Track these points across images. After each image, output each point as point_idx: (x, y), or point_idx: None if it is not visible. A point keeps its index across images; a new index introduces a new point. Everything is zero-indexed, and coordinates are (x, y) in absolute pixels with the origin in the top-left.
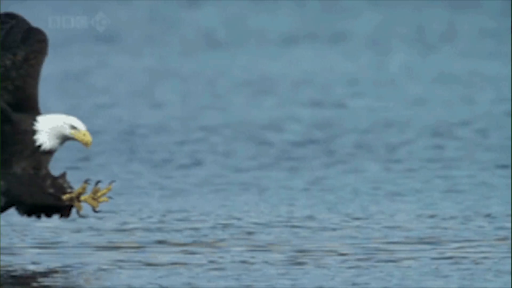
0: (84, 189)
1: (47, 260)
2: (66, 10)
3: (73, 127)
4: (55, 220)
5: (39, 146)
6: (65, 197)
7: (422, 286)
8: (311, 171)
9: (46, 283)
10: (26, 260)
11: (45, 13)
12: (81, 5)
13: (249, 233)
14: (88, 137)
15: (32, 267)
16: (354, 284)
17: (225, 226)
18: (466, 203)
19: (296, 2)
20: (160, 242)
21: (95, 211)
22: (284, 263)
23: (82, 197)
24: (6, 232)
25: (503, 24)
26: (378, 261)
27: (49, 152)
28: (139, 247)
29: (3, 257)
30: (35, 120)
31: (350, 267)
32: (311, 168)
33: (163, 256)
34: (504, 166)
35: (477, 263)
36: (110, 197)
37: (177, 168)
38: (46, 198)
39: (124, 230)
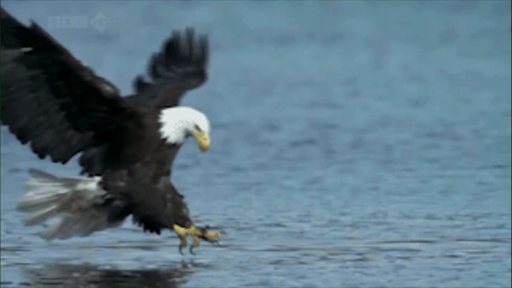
0: (196, 234)
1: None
2: (66, 10)
3: (197, 128)
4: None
5: (165, 139)
6: (176, 228)
7: (420, 286)
8: (308, 170)
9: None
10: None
11: (45, 13)
12: (81, 5)
13: (248, 232)
14: (207, 143)
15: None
16: (350, 283)
17: (224, 225)
18: (464, 203)
19: (294, 1)
20: (159, 241)
21: (191, 246)
22: (282, 262)
23: (190, 231)
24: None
25: (500, 23)
26: (375, 261)
27: (175, 146)
28: (139, 247)
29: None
30: (160, 113)
31: (347, 267)
32: (308, 168)
33: (163, 256)
34: (502, 166)
35: (474, 263)
36: (215, 241)
37: (175, 168)
38: (161, 219)
39: (124, 230)
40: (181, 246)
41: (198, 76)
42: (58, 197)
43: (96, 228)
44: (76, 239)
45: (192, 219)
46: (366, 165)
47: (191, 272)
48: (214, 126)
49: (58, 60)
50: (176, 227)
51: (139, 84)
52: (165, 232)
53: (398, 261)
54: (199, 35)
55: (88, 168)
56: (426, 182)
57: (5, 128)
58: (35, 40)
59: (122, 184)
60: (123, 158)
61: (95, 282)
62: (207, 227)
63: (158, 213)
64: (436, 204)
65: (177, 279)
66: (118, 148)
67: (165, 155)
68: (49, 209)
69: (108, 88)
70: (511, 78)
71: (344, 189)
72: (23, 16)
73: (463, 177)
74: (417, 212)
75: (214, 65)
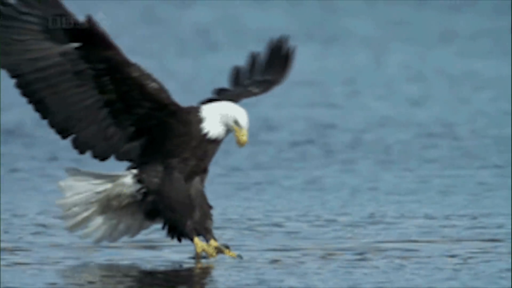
0: (213, 252)
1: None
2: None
3: (237, 123)
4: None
5: (206, 134)
6: (196, 241)
7: (420, 286)
8: (308, 170)
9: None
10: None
11: None
12: (81, 5)
13: (247, 232)
14: (244, 139)
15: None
16: (349, 283)
17: (223, 225)
18: (463, 202)
19: (293, 1)
20: (159, 241)
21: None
22: (282, 262)
23: (208, 250)
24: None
25: (500, 23)
26: (375, 261)
27: (216, 141)
28: (139, 247)
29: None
30: (200, 108)
31: (346, 267)
32: (308, 168)
33: (163, 255)
34: (501, 166)
35: (474, 263)
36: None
37: None
38: (185, 228)
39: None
40: (196, 255)
41: (264, 84)
42: (97, 195)
43: (141, 227)
44: (77, 239)
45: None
46: (365, 165)
47: (191, 272)
48: None
49: (107, 57)
50: (196, 240)
51: (219, 91)
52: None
53: (397, 261)
54: (287, 45)
55: (124, 159)
56: (425, 182)
57: (5, 128)
58: (88, 36)
59: (156, 180)
60: (162, 153)
61: (95, 282)
62: (227, 246)
63: (183, 221)
64: (435, 204)
65: (176, 279)
66: (157, 142)
67: (205, 151)
68: (90, 210)
69: (153, 84)
70: (510, 78)
71: (343, 189)
72: None
73: (462, 177)
74: (416, 212)
75: (214, 65)
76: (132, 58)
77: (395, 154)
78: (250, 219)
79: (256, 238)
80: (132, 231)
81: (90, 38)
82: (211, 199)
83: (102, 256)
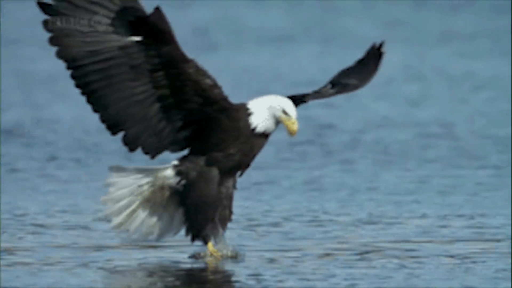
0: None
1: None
2: None
3: (285, 113)
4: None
5: (254, 128)
6: (209, 245)
7: (419, 286)
8: (307, 170)
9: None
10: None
11: None
12: None
13: (246, 232)
14: (295, 127)
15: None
16: (349, 283)
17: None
18: (462, 202)
19: (293, 1)
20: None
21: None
22: (281, 262)
23: (218, 256)
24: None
25: (499, 23)
26: (374, 261)
27: (264, 135)
28: (139, 247)
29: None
30: (247, 104)
31: (344, 267)
32: (307, 168)
33: (163, 255)
34: (501, 166)
35: (473, 263)
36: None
37: None
38: (203, 232)
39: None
40: (198, 256)
41: (344, 87)
42: (140, 188)
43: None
44: (77, 239)
45: None
46: (364, 165)
47: (191, 272)
48: None
49: (166, 52)
50: (210, 244)
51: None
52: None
53: (396, 261)
54: (381, 51)
55: (171, 151)
56: (424, 182)
57: (4, 128)
58: (153, 29)
59: (193, 173)
60: (207, 146)
61: (96, 281)
62: (236, 255)
63: (203, 223)
64: (434, 204)
65: (176, 278)
66: (204, 136)
67: (252, 146)
68: (134, 205)
69: (208, 80)
70: (510, 78)
71: (343, 189)
72: (23, 16)
73: (462, 177)
74: (415, 212)
75: (213, 65)
76: None
77: (394, 154)
78: (250, 219)
79: (255, 238)
80: (175, 224)
81: (155, 31)
82: None
83: (102, 256)
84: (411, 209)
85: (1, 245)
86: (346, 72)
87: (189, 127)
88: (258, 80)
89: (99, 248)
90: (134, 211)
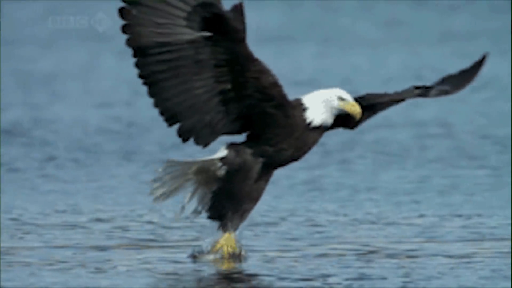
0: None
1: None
2: (66, 10)
3: (341, 99)
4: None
5: (309, 123)
6: (225, 235)
7: (419, 286)
8: (307, 170)
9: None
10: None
11: (45, 13)
12: (81, 5)
13: (245, 232)
14: (357, 108)
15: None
16: (348, 283)
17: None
18: (462, 202)
19: (292, 1)
20: (159, 241)
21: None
22: (281, 262)
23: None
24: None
25: (498, 23)
26: (374, 261)
27: (320, 129)
28: (140, 247)
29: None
30: (301, 99)
31: (344, 266)
32: (306, 168)
33: (162, 255)
34: (501, 166)
35: (473, 263)
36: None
37: None
38: (228, 219)
39: (126, 231)
40: (191, 256)
41: (434, 91)
42: (188, 171)
43: None
44: (77, 239)
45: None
46: (364, 165)
47: (190, 271)
48: None
49: (234, 50)
50: (227, 235)
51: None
52: (164, 232)
53: (395, 261)
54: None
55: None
56: (424, 182)
57: (4, 128)
58: (225, 28)
59: (235, 164)
60: (259, 139)
61: (96, 281)
62: (240, 253)
63: (231, 215)
64: (433, 204)
65: (176, 278)
66: (257, 129)
67: (306, 141)
68: (179, 182)
69: (270, 78)
70: (510, 78)
71: (342, 189)
72: (23, 16)
73: (461, 177)
74: (415, 212)
75: None
76: (130, 57)
77: (393, 154)
78: (249, 219)
79: (255, 237)
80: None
81: (229, 29)
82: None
83: (102, 256)
84: (410, 209)
85: (1, 245)
86: (445, 78)
87: (244, 120)
88: None
89: (99, 248)
90: (178, 186)
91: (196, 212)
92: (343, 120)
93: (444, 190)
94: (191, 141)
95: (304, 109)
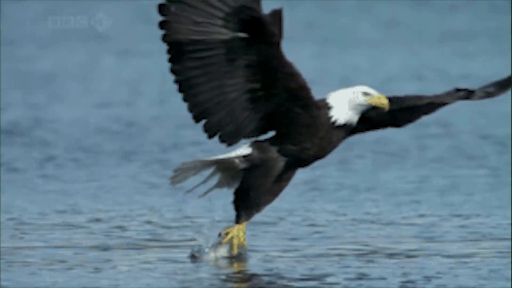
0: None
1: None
2: (66, 10)
3: (366, 94)
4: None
5: (334, 122)
6: (238, 226)
7: (418, 286)
8: (306, 170)
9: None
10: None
11: (45, 13)
12: (81, 5)
13: (247, 231)
14: (384, 100)
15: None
16: (348, 283)
17: (222, 224)
18: (461, 202)
19: (291, 1)
20: (158, 240)
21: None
22: (281, 262)
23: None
24: None
25: (498, 23)
26: (373, 260)
27: (345, 127)
28: (139, 247)
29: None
30: (326, 98)
31: (342, 266)
32: (306, 168)
33: (162, 254)
34: (501, 166)
35: (473, 263)
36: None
37: (175, 167)
38: (246, 212)
39: (126, 231)
40: (191, 256)
41: (458, 95)
42: (209, 162)
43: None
44: (78, 240)
45: (193, 216)
46: (363, 165)
47: (190, 271)
48: None
49: (267, 52)
50: (240, 226)
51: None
52: (164, 231)
53: (396, 261)
54: None
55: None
56: (424, 182)
57: (4, 128)
58: (262, 31)
59: (257, 161)
60: (283, 137)
61: (96, 281)
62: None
63: (244, 206)
64: (433, 204)
65: (176, 278)
66: (282, 128)
67: (330, 140)
68: (198, 167)
69: (299, 81)
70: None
71: (342, 189)
72: (24, 16)
73: (461, 177)
74: (414, 212)
75: None
76: (130, 57)
77: (393, 154)
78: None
79: (255, 237)
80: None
81: (266, 32)
82: (211, 198)
83: (102, 256)
84: (410, 209)
85: (1, 245)
86: (493, 82)
87: (269, 119)
88: None
89: (99, 248)
90: (198, 170)
91: (213, 189)
92: (389, 118)
93: (444, 190)
94: (191, 141)
95: (329, 108)
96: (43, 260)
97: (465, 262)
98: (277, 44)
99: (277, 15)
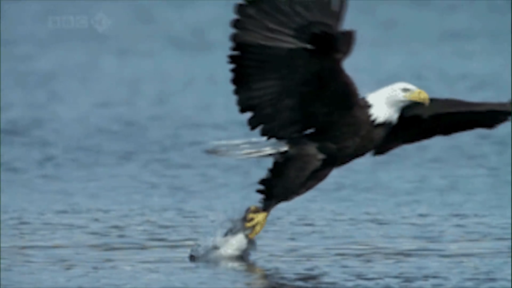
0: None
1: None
2: (66, 10)
3: (405, 90)
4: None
5: (374, 120)
6: (263, 213)
7: (417, 285)
8: None
9: None
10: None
11: (45, 13)
12: (81, 5)
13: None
14: (424, 94)
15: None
16: (348, 283)
17: (222, 224)
18: (461, 202)
19: None
20: (158, 240)
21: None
22: (281, 261)
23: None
24: None
25: (498, 23)
26: (373, 260)
27: (385, 125)
28: (139, 247)
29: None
30: (365, 97)
31: (342, 266)
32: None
33: (162, 254)
34: (501, 166)
35: (472, 263)
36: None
37: (175, 167)
38: (275, 200)
39: (126, 231)
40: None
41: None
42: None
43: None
44: (78, 240)
45: (193, 215)
46: (363, 165)
47: (191, 271)
48: (213, 126)
49: (329, 65)
50: (264, 214)
51: None
52: (164, 231)
53: (395, 261)
54: None
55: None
56: (424, 182)
57: (4, 128)
58: (332, 47)
59: (293, 156)
60: (324, 135)
61: (97, 281)
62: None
63: (273, 197)
64: (433, 204)
65: (176, 278)
66: (323, 126)
67: (371, 138)
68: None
69: (352, 88)
70: (510, 77)
71: (342, 189)
72: (24, 15)
73: (461, 177)
74: (415, 212)
75: (212, 64)
76: (130, 57)
77: (393, 154)
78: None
79: (254, 237)
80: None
81: (334, 48)
82: (211, 198)
83: (102, 256)
84: (410, 208)
85: (1, 245)
86: None
87: (313, 117)
88: None
89: (99, 248)
90: (237, 147)
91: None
92: (479, 119)
93: (443, 190)
94: (190, 141)
95: (369, 107)
96: (43, 260)
97: (464, 262)
98: (340, 61)
99: (350, 37)
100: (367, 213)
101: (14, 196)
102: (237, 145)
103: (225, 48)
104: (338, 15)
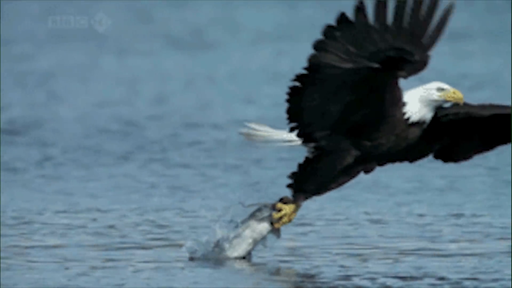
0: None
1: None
2: (66, 10)
3: (440, 89)
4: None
5: (408, 118)
6: (290, 205)
7: (416, 285)
8: None
9: None
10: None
11: (45, 13)
12: (81, 5)
13: None
14: (459, 94)
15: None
16: (348, 283)
17: (223, 224)
18: (462, 202)
19: (290, 1)
20: (158, 240)
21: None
22: (281, 261)
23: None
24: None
25: (498, 23)
26: (374, 260)
27: (418, 124)
28: (140, 247)
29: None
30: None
31: (342, 266)
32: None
33: (162, 254)
34: (501, 166)
35: (472, 263)
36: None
37: (175, 166)
38: (303, 194)
39: (127, 231)
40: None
41: None
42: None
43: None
44: (78, 240)
45: (193, 215)
46: None
47: (191, 271)
48: (213, 126)
49: (388, 80)
50: (291, 206)
51: None
52: (164, 231)
53: (395, 260)
54: None
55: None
56: (424, 182)
57: (4, 127)
58: (401, 68)
59: (326, 151)
60: (359, 133)
61: (97, 281)
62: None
63: (301, 189)
64: (433, 203)
65: (176, 278)
66: (360, 124)
67: (406, 137)
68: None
69: (400, 103)
70: (510, 77)
71: (341, 188)
72: (23, 15)
73: (461, 177)
74: (415, 212)
75: (212, 64)
76: (129, 57)
77: None
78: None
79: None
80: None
81: (403, 69)
82: (211, 198)
83: (102, 256)
84: (409, 208)
85: (1, 245)
86: None
87: (351, 118)
88: (257, 79)
89: (99, 248)
90: (271, 135)
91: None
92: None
93: (443, 190)
94: (190, 141)
95: (404, 105)
96: (43, 260)
97: (463, 262)
98: (402, 78)
99: (424, 60)
100: (366, 213)
101: (14, 196)
102: (271, 132)
103: (224, 48)
104: (428, 48)
